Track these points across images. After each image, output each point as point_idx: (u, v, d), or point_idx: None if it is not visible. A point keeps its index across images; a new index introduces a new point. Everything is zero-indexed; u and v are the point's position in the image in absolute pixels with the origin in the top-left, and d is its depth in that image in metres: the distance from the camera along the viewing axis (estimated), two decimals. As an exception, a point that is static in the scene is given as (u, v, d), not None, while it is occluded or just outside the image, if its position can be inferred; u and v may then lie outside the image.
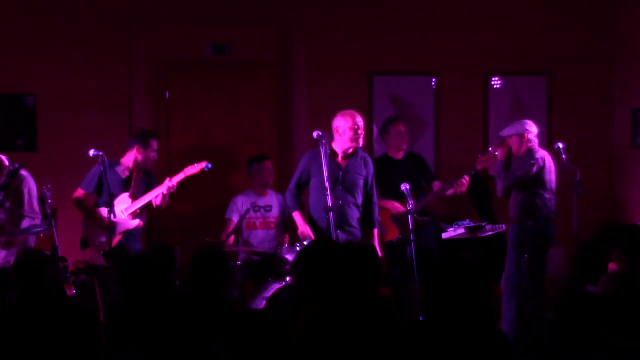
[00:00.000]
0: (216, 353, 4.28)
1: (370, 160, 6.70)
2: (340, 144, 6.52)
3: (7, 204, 6.37)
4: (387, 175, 7.17)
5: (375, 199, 6.68)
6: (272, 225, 7.48)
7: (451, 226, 6.83)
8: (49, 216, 6.09)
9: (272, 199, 7.53)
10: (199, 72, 8.28)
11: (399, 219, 7.10)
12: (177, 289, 5.28)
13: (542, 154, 6.96)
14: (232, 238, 7.19)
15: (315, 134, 6.28)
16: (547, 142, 7.94)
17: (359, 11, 8.30)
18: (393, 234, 7.22)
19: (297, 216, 6.61)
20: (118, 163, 7.07)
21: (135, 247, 6.99)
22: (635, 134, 8.34)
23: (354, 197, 6.52)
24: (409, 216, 6.21)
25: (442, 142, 8.47)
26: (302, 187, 6.67)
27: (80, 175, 7.10)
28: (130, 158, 7.08)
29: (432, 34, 8.37)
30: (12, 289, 4.63)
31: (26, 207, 6.38)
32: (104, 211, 6.77)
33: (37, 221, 6.37)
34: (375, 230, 6.63)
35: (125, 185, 7.04)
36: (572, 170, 6.74)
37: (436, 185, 7.45)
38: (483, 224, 6.86)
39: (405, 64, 8.37)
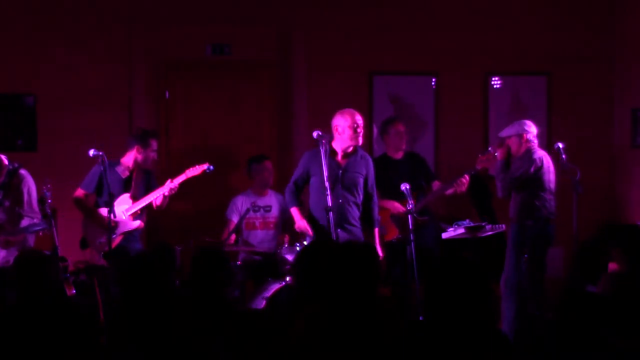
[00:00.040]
0: (216, 353, 4.28)
1: (370, 159, 6.69)
2: (340, 143, 6.52)
3: (7, 203, 6.38)
4: (387, 175, 7.17)
5: (375, 198, 6.67)
6: (272, 226, 7.48)
7: (451, 226, 6.83)
8: (49, 216, 6.09)
9: (272, 199, 7.53)
10: (199, 72, 8.28)
11: (399, 219, 7.10)
12: (177, 289, 5.28)
13: (541, 154, 6.95)
14: (232, 237, 7.19)
15: (315, 134, 6.28)
16: (547, 142, 7.95)
17: (359, 11, 8.30)
18: (393, 234, 7.22)
19: (294, 211, 6.60)
20: (118, 163, 7.07)
21: (135, 248, 6.99)
22: (635, 134, 8.34)
23: (353, 196, 6.51)
24: (409, 216, 6.21)
25: (442, 142, 8.47)
26: (301, 186, 6.67)
27: (80, 175, 7.10)
28: (130, 158, 7.08)
29: (432, 34, 8.37)
30: (12, 289, 4.63)
31: (25, 206, 6.38)
32: (104, 212, 6.77)
33: (36, 220, 6.37)
34: (376, 230, 6.63)
35: (125, 185, 7.04)
36: (572, 170, 6.74)
37: (436, 185, 7.45)
38: (483, 224, 6.86)
39: (405, 64, 8.37)
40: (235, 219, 7.38)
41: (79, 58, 7.99)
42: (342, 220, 6.38)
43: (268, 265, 6.84)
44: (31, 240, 6.48)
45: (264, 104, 8.34)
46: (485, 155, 7.16)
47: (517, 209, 6.93)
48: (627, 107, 8.42)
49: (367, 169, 6.59)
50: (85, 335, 4.44)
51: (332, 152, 6.49)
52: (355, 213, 6.51)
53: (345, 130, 6.47)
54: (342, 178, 6.47)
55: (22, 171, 6.44)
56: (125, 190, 7.01)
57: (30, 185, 6.42)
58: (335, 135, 6.52)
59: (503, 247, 7.07)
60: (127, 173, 7.08)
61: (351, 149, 6.54)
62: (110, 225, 6.39)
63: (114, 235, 6.76)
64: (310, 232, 6.44)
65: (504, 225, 6.89)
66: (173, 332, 4.27)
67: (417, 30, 8.36)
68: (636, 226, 7.10)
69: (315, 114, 7.94)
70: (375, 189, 6.66)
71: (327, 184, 6.13)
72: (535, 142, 7.02)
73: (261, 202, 7.49)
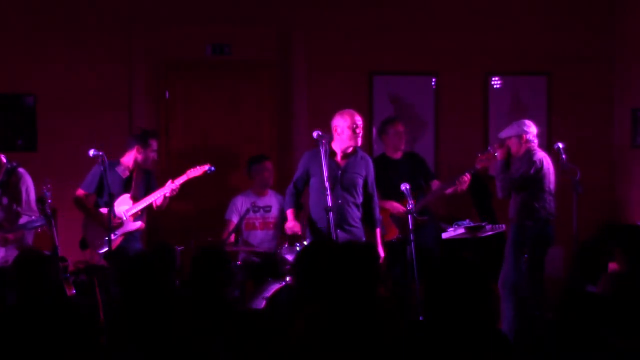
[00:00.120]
0: (216, 353, 4.28)
1: (370, 160, 6.69)
2: (339, 144, 6.52)
3: (5, 201, 6.39)
4: (387, 176, 7.17)
5: (376, 198, 6.67)
6: (272, 226, 7.48)
7: (451, 226, 6.83)
8: (49, 216, 6.09)
9: (271, 199, 7.53)
10: (199, 72, 8.28)
11: (399, 219, 7.10)
12: (177, 289, 5.28)
13: (541, 155, 6.95)
14: (232, 238, 7.19)
15: (315, 134, 6.27)
16: (547, 142, 7.94)
17: (359, 11, 8.30)
18: (393, 234, 7.22)
19: (289, 213, 6.61)
20: (118, 163, 7.07)
21: (136, 248, 6.99)
22: (635, 134, 8.34)
23: (353, 196, 6.51)
24: (409, 216, 6.21)
25: (442, 142, 8.47)
26: (301, 187, 6.66)
27: (80, 175, 7.10)
28: (130, 158, 7.09)
29: (432, 34, 8.37)
30: (12, 289, 4.63)
31: (24, 204, 6.40)
32: (105, 212, 6.77)
33: (34, 217, 6.37)
34: (378, 231, 6.62)
35: (125, 185, 7.04)
36: (572, 170, 6.74)
37: (435, 184, 7.45)
38: (483, 224, 6.86)
39: (405, 64, 8.37)
40: (235, 219, 7.38)
41: (79, 58, 7.99)
42: (342, 221, 6.38)
43: (268, 265, 6.84)
44: (29, 238, 6.48)
45: (264, 104, 8.34)
46: (484, 154, 7.16)
47: (516, 210, 6.93)
48: (627, 107, 8.42)
49: (366, 170, 6.58)
50: (85, 335, 4.44)
51: (332, 153, 6.48)
52: (355, 214, 6.51)
53: (344, 130, 6.47)
54: (341, 179, 6.46)
55: (20, 170, 6.45)
56: (126, 191, 7.02)
57: (28, 184, 6.43)
58: (335, 135, 6.51)
59: (503, 247, 7.07)
60: (127, 173, 7.08)
61: (350, 149, 6.53)
62: (111, 226, 6.40)
63: (114, 236, 6.76)
64: (299, 231, 6.46)
65: (504, 225, 6.89)
66: (173, 332, 4.26)
67: (417, 30, 8.36)
68: (636, 226, 7.11)
69: (315, 114, 7.94)
70: (375, 189, 6.65)
71: (327, 184, 6.13)
72: (535, 142, 7.01)
73: (261, 202, 7.49)
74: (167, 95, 8.24)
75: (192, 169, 7.00)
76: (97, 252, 6.92)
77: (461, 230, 6.75)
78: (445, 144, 8.46)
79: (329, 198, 6.11)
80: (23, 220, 6.38)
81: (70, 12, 8.00)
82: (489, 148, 7.28)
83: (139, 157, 7.06)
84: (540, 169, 6.88)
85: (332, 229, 6.07)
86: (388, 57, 8.32)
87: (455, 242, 6.95)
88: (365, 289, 4.09)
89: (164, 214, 7.47)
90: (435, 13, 8.40)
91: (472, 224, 6.78)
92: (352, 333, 3.88)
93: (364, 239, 6.45)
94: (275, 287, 6.34)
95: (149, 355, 4.21)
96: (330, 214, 6.10)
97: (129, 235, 6.98)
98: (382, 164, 7.36)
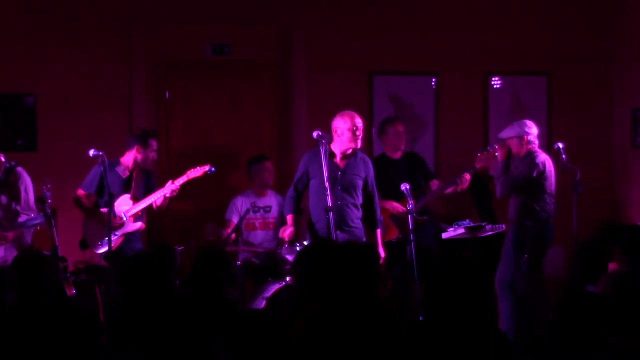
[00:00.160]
0: (216, 353, 4.28)
1: (369, 161, 6.68)
2: (339, 145, 6.51)
3: (4, 200, 6.39)
4: (386, 176, 7.17)
5: (376, 199, 6.66)
6: (272, 226, 7.48)
7: (451, 226, 6.83)
8: (49, 216, 6.09)
9: (271, 200, 7.53)
10: (199, 72, 8.28)
11: (399, 219, 7.10)
12: (177, 289, 5.28)
13: (543, 158, 6.94)
14: (232, 238, 7.18)
15: (315, 134, 6.27)
16: (547, 142, 7.94)
17: (359, 11, 8.30)
18: (393, 234, 7.22)
19: (289, 218, 6.64)
20: (118, 163, 7.07)
21: (136, 249, 6.99)
22: (635, 134, 8.34)
23: (352, 197, 6.51)
24: (409, 216, 6.21)
25: (442, 142, 8.47)
26: (301, 190, 6.66)
27: (80, 175, 7.10)
28: (130, 158, 7.09)
29: (432, 34, 8.37)
30: (12, 289, 4.63)
31: (22, 203, 6.41)
32: (105, 211, 6.77)
33: (33, 215, 6.38)
34: (379, 231, 6.62)
35: (125, 185, 7.04)
36: (572, 170, 6.74)
37: (434, 184, 7.45)
38: (483, 224, 6.86)
39: (405, 64, 8.37)
40: (234, 220, 7.38)
41: (79, 58, 7.98)
42: (341, 222, 6.37)
43: (268, 265, 6.84)
44: (28, 236, 6.49)
45: (264, 104, 8.34)
46: (484, 154, 7.16)
47: (516, 210, 6.93)
48: (627, 107, 8.42)
49: (366, 171, 6.57)
50: (85, 335, 4.44)
51: (331, 154, 6.48)
52: (354, 215, 6.51)
53: (344, 132, 6.46)
54: (340, 180, 6.46)
55: (19, 169, 6.47)
56: (126, 191, 7.02)
57: (27, 183, 6.45)
58: (335, 137, 6.51)
59: (502, 247, 7.07)
60: (127, 173, 7.08)
61: (350, 151, 6.53)
62: (111, 226, 6.40)
63: (115, 236, 6.76)
64: (286, 241, 6.49)
65: (504, 225, 6.89)
66: (173, 332, 4.26)
67: (417, 30, 8.36)
68: (636, 226, 7.10)
69: (315, 114, 7.94)
70: (375, 190, 6.65)
71: (327, 184, 6.12)
72: (536, 143, 7.01)
73: (261, 202, 7.49)
74: (167, 95, 8.24)
75: (192, 170, 6.99)
76: (96, 251, 6.92)
77: (461, 230, 6.75)
78: (445, 144, 8.45)
79: (329, 198, 6.11)
80: (22, 219, 6.38)
81: (70, 12, 8.00)
82: (488, 147, 7.27)
83: (139, 157, 7.06)
84: (542, 172, 6.88)
85: (332, 229, 6.07)
86: (388, 57, 8.32)
87: (455, 242, 6.95)
88: (365, 289, 4.09)
89: (164, 214, 7.46)
90: (435, 13, 8.40)
91: (472, 224, 6.78)
92: (352, 333, 3.88)
93: (364, 239, 6.45)
94: (275, 287, 6.34)
95: (149, 355, 4.21)
96: (330, 213, 6.10)
97: (129, 236, 6.98)
98: (382, 164, 7.36)
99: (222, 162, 7.77)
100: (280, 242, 7.17)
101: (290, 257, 6.43)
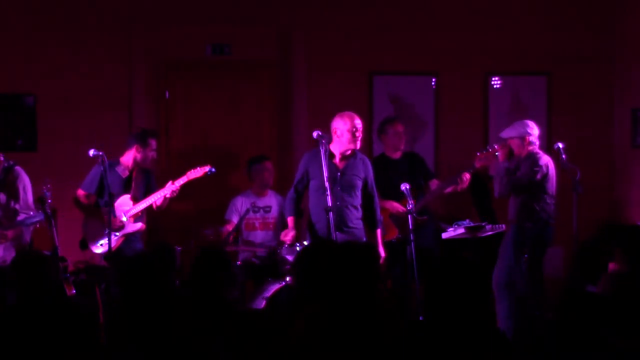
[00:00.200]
0: (216, 353, 4.28)
1: (369, 162, 6.68)
2: (338, 146, 6.51)
3: (3, 200, 6.40)
4: (386, 176, 7.17)
5: (376, 199, 6.66)
6: (272, 226, 7.47)
7: (451, 226, 6.83)
8: (49, 216, 6.09)
9: (271, 200, 7.52)
10: (199, 72, 8.28)
11: (399, 219, 7.10)
12: (177, 289, 5.27)
13: (546, 160, 6.94)
14: (231, 238, 7.18)
15: (315, 134, 6.28)
16: (547, 142, 7.94)
17: (359, 11, 8.30)
18: (393, 233, 7.22)
19: (290, 220, 6.64)
20: (118, 163, 7.08)
21: (136, 249, 6.99)
22: (635, 134, 8.34)
23: (352, 197, 6.51)
24: (409, 216, 6.21)
25: (442, 142, 8.47)
26: (301, 190, 6.66)
27: (80, 175, 7.11)
28: (129, 157, 7.09)
29: (432, 34, 8.37)
30: (12, 289, 4.63)
31: (21, 202, 6.43)
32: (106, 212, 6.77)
33: (32, 213, 6.38)
34: (379, 231, 6.62)
35: (125, 185, 7.05)
36: (572, 170, 6.74)
37: (434, 183, 7.45)
38: (483, 224, 6.86)
39: (405, 64, 8.37)
40: (234, 220, 7.38)
41: (79, 58, 7.98)
42: (341, 223, 6.37)
43: (268, 265, 6.83)
44: (27, 235, 6.49)
45: (264, 104, 8.34)
46: (483, 153, 7.15)
47: (516, 211, 6.93)
48: (627, 107, 8.42)
49: (365, 172, 6.58)
50: (85, 335, 4.44)
51: (330, 155, 6.48)
52: (354, 215, 6.51)
53: (344, 133, 6.47)
54: (340, 180, 6.46)
55: (17, 168, 6.48)
56: (126, 191, 7.02)
57: (25, 182, 6.46)
58: (334, 138, 6.51)
59: (502, 247, 7.08)
60: (127, 173, 7.08)
61: (349, 151, 6.53)
62: (111, 226, 6.40)
63: (115, 237, 6.77)
64: (287, 243, 6.49)
65: (504, 225, 6.89)
66: (173, 332, 4.26)
67: (417, 30, 8.36)
68: (636, 226, 7.10)
69: (315, 114, 7.93)
70: (375, 190, 6.65)
71: (327, 184, 6.12)
72: (537, 144, 7.01)
73: (261, 202, 7.49)
74: (167, 95, 8.24)
75: (192, 170, 6.99)
76: (95, 248, 6.92)
77: (461, 230, 6.75)
78: (445, 144, 8.45)
79: (329, 198, 6.11)
80: (21, 217, 6.39)
81: (70, 12, 8.00)
82: (488, 147, 7.27)
83: (138, 156, 7.06)
84: (546, 174, 6.89)
85: (332, 229, 6.07)
86: (388, 57, 8.32)
87: (455, 242, 6.95)
88: (365, 289, 4.09)
89: (164, 214, 7.46)
90: (435, 13, 8.40)
91: (472, 224, 6.78)
92: (352, 333, 3.88)
93: (364, 239, 6.45)
94: (275, 287, 6.34)
95: (149, 355, 4.21)
96: (330, 213, 6.10)
97: (130, 236, 6.98)
98: (382, 164, 7.36)
99: (222, 162, 7.77)
100: (281, 242, 7.19)
101: (290, 257, 6.43)
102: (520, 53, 8.45)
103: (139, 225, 7.00)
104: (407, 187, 6.35)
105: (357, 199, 6.53)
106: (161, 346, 4.21)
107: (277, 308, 6.05)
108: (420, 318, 5.70)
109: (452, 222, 6.90)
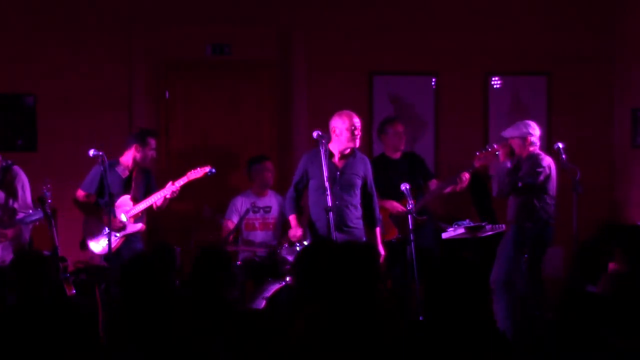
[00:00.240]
0: (216, 353, 4.28)
1: (368, 161, 6.68)
2: (337, 145, 6.51)
3: (1, 199, 6.41)
4: (386, 175, 7.17)
5: (375, 198, 6.66)
6: (271, 226, 7.47)
7: (451, 226, 6.83)
8: (49, 216, 6.09)
9: (271, 200, 7.52)
10: (199, 72, 8.28)
11: (399, 219, 7.10)
12: (177, 289, 5.27)
13: (548, 161, 6.94)
14: (230, 238, 7.18)
15: (315, 134, 6.28)
16: (547, 142, 7.93)
17: (359, 11, 8.30)
18: (393, 233, 7.21)
19: (292, 219, 6.63)
20: (117, 163, 7.08)
21: (137, 249, 6.99)
22: (635, 134, 8.34)
23: (351, 197, 6.50)
24: (409, 216, 6.21)
25: (442, 142, 8.47)
26: (301, 190, 6.66)
27: (80, 175, 7.11)
28: (129, 157, 7.09)
29: (432, 34, 8.37)
30: (12, 289, 4.63)
31: (20, 201, 6.43)
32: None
33: (31, 212, 6.39)
34: (378, 230, 6.62)
35: (125, 185, 7.04)
36: (572, 170, 6.74)
37: (434, 183, 7.45)
38: (483, 224, 6.86)
39: (405, 64, 8.37)
40: (234, 220, 7.38)
41: (79, 58, 7.98)
42: (341, 222, 6.36)
43: (268, 265, 6.83)
44: (27, 234, 6.49)
45: (264, 104, 8.34)
46: (483, 153, 7.15)
47: (516, 211, 6.93)
48: (627, 107, 8.42)
49: (365, 171, 6.57)
50: (85, 335, 4.44)
51: (330, 154, 6.48)
52: (353, 214, 6.50)
53: (342, 132, 6.46)
54: (339, 180, 6.46)
55: (15, 167, 6.49)
56: (126, 191, 7.01)
57: (24, 182, 6.47)
58: (333, 137, 6.51)
59: (502, 247, 7.07)
60: (126, 173, 7.08)
61: (348, 150, 6.53)
62: (111, 227, 6.40)
63: (115, 238, 6.77)
64: (301, 240, 6.48)
65: (504, 225, 6.89)
66: (173, 332, 4.27)
67: (417, 30, 8.36)
68: (636, 226, 7.10)
69: (315, 114, 7.93)
70: (374, 189, 6.65)
71: (327, 184, 6.12)
72: (538, 144, 7.01)
73: (261, 202, 7.48)
74: (167, 95, 8.24)
75: (192, 171, 6.98)
76: (95, 247, 6.92)
77: (461, 230, 6.74)
78: (445, 144, 8.45)
79: (329, 198, 6.11)
80: (20, 216, 6.39)
81: (70, 12, 8.00)
82: (487, 147, 7.27)
83: (138, 155, 7.06)
84: (548, 175, 6.89)
85: (332, 229, 6.07)
86: (388, 57, 8.32)
87: (455, 242, 6.95)
88: (365, 289, 4.09)
89: (164, 214, 7.46)
90: (435, 13, 8.40)
91: (472, 224, 6.78)
92: (352, 333, 3.88)
93: (364, 239, 6.45)
94: (275, 287, 6.34)
95: (149, 355, 4.21)
96: (330, 213, 6.10)
97: (130, 237, 6.97)
98: (382, 164, 7.36)
99: (222, 162, 7.77)
100: (281, 242, 7.19)
101: (290, 257, 6.43)
102: (520, 53, 8.45)
103: (139, 225, 7.00)
104: (407, 187, 6.35)
105: (357, 198, 6.53)
106: (161, 346, 4.22)
107: (277, 308, 6.05)
108: (420, 318, 5.70)
109: (451, 222, 6.90)
